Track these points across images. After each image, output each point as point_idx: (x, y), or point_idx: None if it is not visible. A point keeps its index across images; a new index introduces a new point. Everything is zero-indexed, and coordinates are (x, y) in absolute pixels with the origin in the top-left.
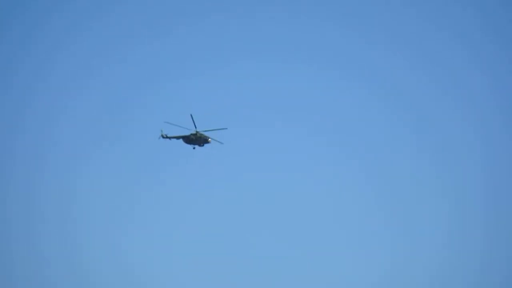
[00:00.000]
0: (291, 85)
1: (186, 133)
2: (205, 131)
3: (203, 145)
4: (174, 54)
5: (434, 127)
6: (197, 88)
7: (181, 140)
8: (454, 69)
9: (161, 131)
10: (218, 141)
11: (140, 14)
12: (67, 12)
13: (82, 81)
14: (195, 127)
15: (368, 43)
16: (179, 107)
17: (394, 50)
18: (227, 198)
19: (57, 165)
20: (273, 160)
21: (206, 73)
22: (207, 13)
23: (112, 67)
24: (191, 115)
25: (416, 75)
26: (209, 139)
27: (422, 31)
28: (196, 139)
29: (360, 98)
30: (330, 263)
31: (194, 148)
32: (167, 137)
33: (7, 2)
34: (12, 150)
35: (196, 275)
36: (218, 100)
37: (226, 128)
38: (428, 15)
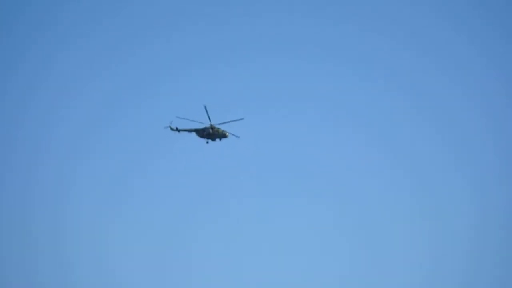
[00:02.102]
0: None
1: (200, 126)
2: (220, 124)
3: (220, 140)
4: (184, 50)
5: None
6: (202, 84)
7: (193, 133)
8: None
9: (170, 122)
10: (234, 135)
11: (143, 12)
12: (67, 12)
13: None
14: (210, 120)
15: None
16: (185, 102)
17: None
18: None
19: (56, 165)
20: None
21: (213, 69)
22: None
23: (110, 68)
24: (205, 107)
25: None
26: (227, 134)
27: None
28: (213, 133)
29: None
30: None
31: (207, 142)
32: (176, 130)
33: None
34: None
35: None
36: (223, 95)
37: (243, 119)
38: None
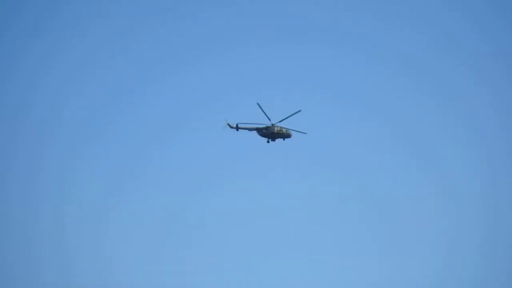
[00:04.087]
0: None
1: (261, 125)
2: (281, 120)
3: (283, 140)
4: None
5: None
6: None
7: (254, 132)
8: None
9: (226, 120)
10: (300, 131)
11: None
12: (67, 13)
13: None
14: (269, 119)
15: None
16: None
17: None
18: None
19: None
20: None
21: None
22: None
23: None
24: (259, 105)
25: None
26: (291, 133)
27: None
28: (277, 133)
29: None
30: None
31: (268, 142)
32: (236, 128)
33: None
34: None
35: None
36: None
37: (300, 110)
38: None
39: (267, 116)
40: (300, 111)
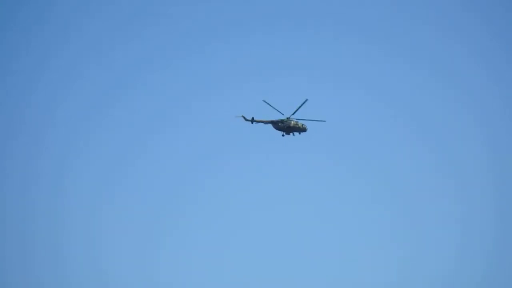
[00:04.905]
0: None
1: (276, 118)
2: (298, 119)
3: (299, 134)
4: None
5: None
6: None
7: (269, 125)
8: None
9: (241, 114)
10: (319, 120)
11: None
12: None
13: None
14: (293, 113)
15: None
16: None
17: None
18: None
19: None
20: None
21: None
22: None
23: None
24: (306, 101)
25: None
26: (307, 128)
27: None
28: (292, 127)
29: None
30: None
31: (283, 135)
32: (251, 120)
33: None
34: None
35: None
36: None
37: (325, 121)
38: None
39: (296, 111)
40: (307, 100)
